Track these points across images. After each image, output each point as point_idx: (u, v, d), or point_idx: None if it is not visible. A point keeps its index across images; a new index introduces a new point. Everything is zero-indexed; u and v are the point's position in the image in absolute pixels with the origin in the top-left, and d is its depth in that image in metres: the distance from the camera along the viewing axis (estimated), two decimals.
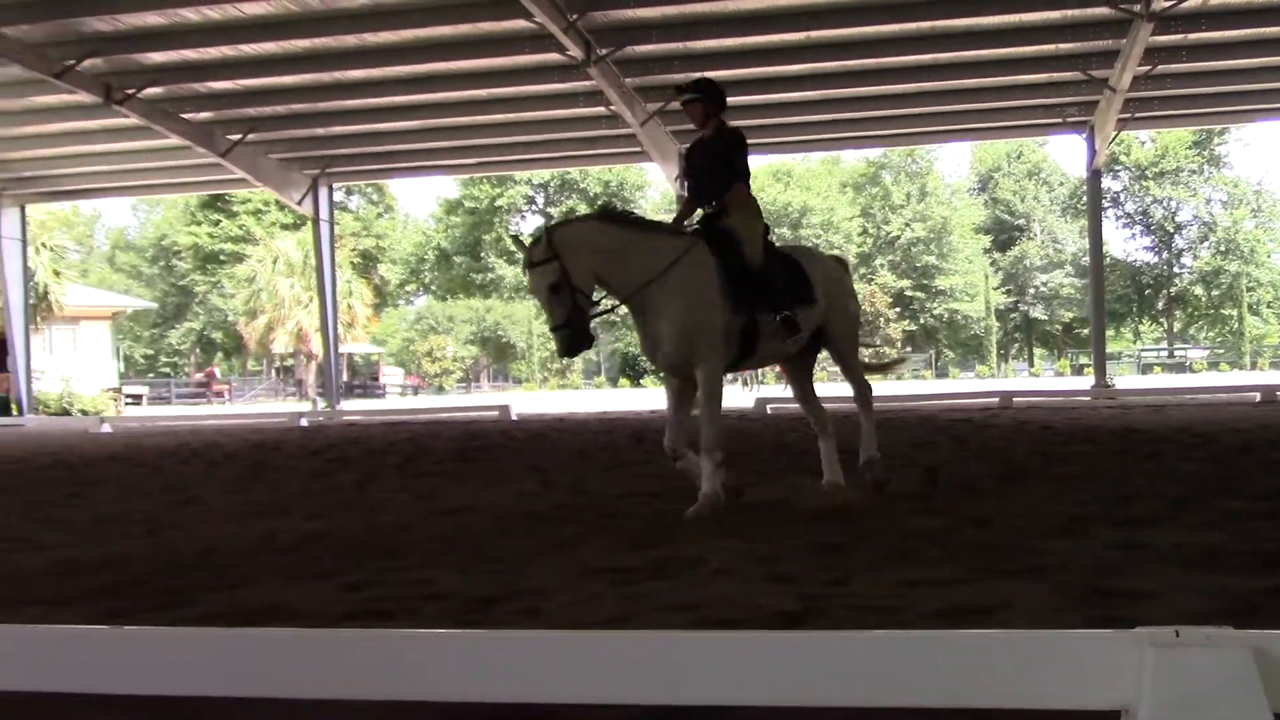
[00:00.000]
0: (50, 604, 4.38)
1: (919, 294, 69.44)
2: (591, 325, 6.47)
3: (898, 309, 65.20)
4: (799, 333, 6.71)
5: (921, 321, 69.76)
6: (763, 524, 6.02)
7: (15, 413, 29.43)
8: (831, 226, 68.86)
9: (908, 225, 70.33)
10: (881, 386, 43.61)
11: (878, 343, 60.17)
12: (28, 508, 8.25)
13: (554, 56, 19.98)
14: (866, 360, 8.12)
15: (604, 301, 6.66)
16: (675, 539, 5.60)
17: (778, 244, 7.26)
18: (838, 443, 7.32)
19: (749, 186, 7.13)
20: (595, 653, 2.60)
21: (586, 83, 21.12)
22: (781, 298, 6.68)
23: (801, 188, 69.95)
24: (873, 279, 67.29)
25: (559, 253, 6.21)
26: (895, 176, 73.03)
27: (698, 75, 7.64)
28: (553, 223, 6.85)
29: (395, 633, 2.81)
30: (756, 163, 69.45)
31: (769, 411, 19.43)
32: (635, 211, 8.82)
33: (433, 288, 76.12)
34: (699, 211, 7.10)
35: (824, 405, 7.53)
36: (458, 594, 4.44)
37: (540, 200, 72.00)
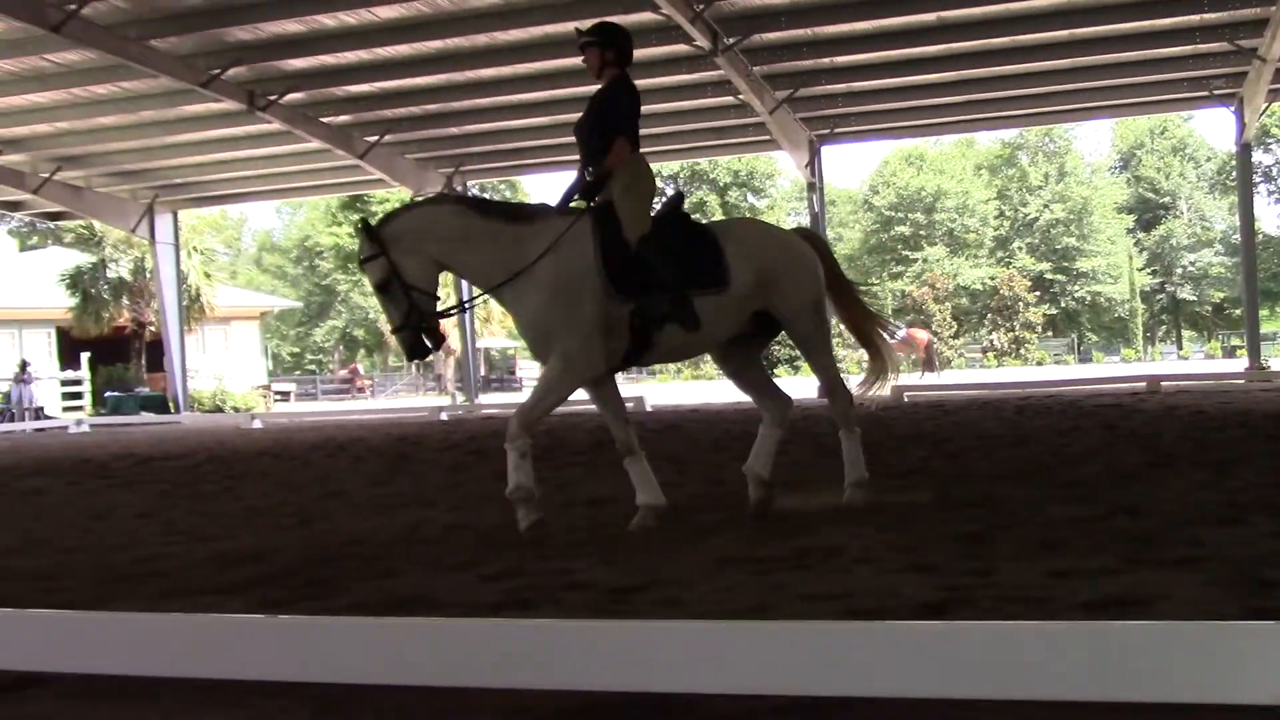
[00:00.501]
0: (215, 593, 4.55)
1: (1059, 277, 67.41)
2: (440, 325, 5.93)
3: (1037, 293, 63.42)
4: (695, 323, 5.75)
5: (1062, 305, 67.76)
6: (901, 513, 5.94)
7: (172, 410, 30.64)
8: (967, 210, 67.38)
9: (1046, 207, 68.34)
10: (1023, 372, 42.34)
11: (1016, 328, 58.68)
12: (191, 501, 8.60)
13: (681, 47, 19.95)
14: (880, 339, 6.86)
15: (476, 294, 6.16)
16: (813, 529, 5.56)
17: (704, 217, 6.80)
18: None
19: (635, 142, 6.05)
20: (737, 643, 2.60)
21: (714, 72, 21.06)
22: (664, 282, 5.72)
23: (935, 171, 68.55)
24: (1010, 262, 65.63)
25: (385, 247, 5.65)
26: (1032, 157, 71.02)
27: (603, 19, 6.58)
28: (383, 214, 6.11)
29: (538, 622, 2.85)
30: (887, 147, 67.00)
31: (906, 400, 19.14)
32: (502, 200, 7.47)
33: None
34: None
35: (788, 397, 6.50)
36: (598, 584, 4.48)
37: (670, 191, 72.03)
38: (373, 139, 25.24)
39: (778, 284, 6.11)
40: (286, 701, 3.01)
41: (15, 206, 32.33)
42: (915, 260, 65.60)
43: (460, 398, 32.97)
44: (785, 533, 5.48)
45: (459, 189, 29.45)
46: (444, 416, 22.75)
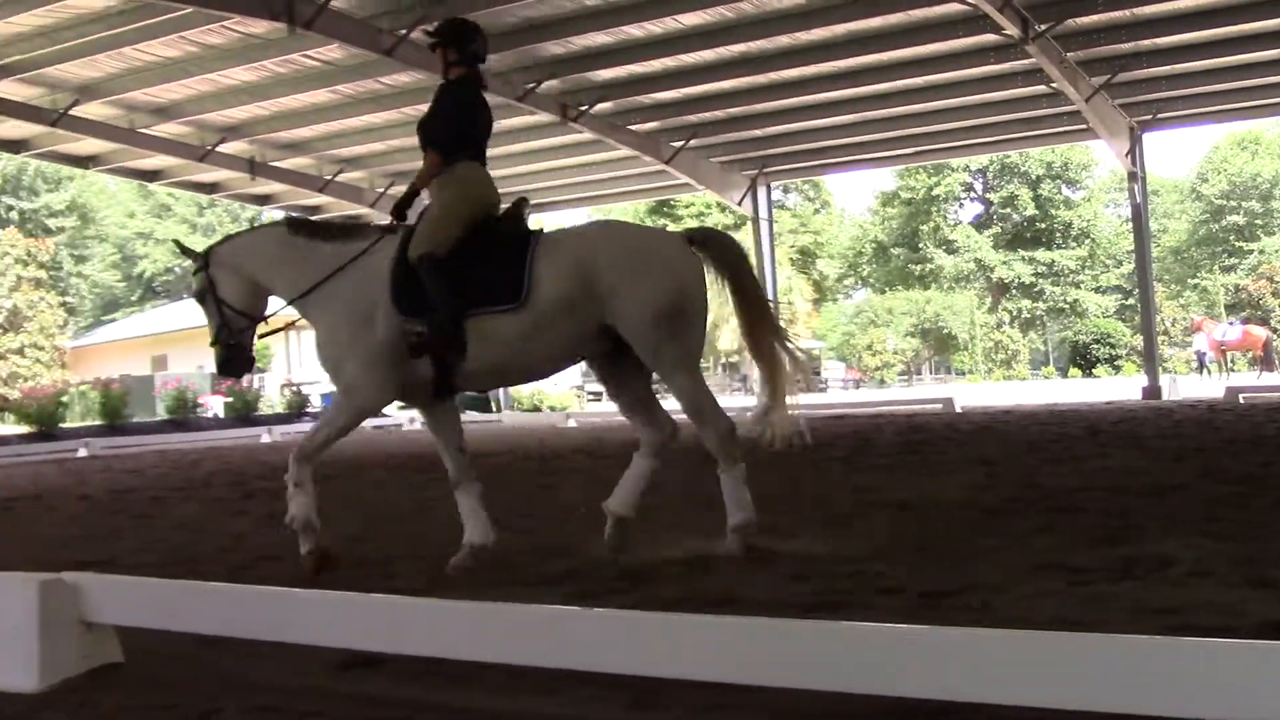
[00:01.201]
0: (533, 584, 4.77)
1: None
2: (251, 344, 5.82)
3: None
4: (460, 348, 5.28)
5: None
6: (1239, 521, 5.52)
7: (493, 410, 32.27)
8: None
9: None
10: None
11: None
12: (511, 497, 9.03)
13: (989, 37, 19.31)
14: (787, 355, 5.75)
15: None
16: (1138, 537, 5.25)
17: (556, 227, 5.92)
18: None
19: (457, 151, 5.75)
20: (1060, 655, 2.48)
21: (1025, 61, 20.23)
22: (436, 302, 5.26)
23: (1272, 155, 63.28)
24: None
25: (209, 262, 5.74)
26: None
27: (454, 17, 6.30)
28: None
29: (851, 625, 2.82)
30: (1216, 131, 62.00)
31: (1242, 401, 17.77)
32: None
33: (871, 281, 75.70)
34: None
35: (672, 424, 5.71)
36: (908, 587, 4.39)
37: (979, 186, 69.78)
38: (678, 144, 25.74)
39: (614, 294, 5.31)
40: (600, 690, 3.12)
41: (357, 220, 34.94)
42: (1250, 252, 60.84)
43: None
44: (1106, 540, 5.20)
45: (762, 190, 29.62)
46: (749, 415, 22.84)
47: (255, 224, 76.21)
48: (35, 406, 24.55)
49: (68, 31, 18.35)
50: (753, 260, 39.08)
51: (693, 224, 68.66)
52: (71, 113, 22.29)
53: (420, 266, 5.31)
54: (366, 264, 5.49)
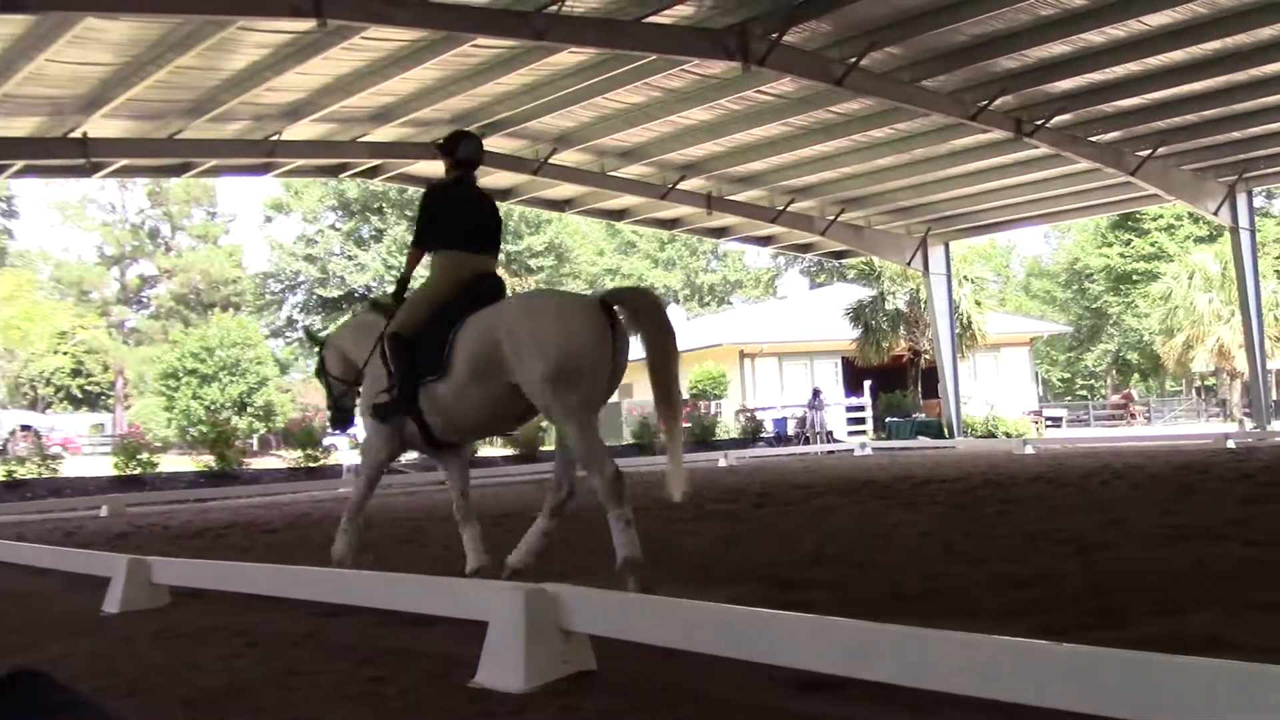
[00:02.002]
0: (994, 615, 4.60)
1: None
2: (353, 404, 7.23)
3: None
4: (416, 412, 6.43)
5: None
6: None
7: (947, 435, 31.66)
8: None
9: None
10: None
11: None
12: (967, 524, 8.81)
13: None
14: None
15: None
16: None
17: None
18: None
19: (417, 246, 6.89)
20: None
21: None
22: (393, 373, 6.52)
23: None
24: None
25: (324, 345, 7.48)
26: None
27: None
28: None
29: None
30: None
31: None
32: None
33: None
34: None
35: (572, 490, 6.39)
36: None
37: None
38: (1144, 153, 24.12)
39: (513, 357, 5.96)
40: None
41: (805, 248, 35.56)
42: None
43: (1249, 424, 30.14)
44: None
45: (1242, 197, 27.15)
46: (1232, 444, 20.99)
47: (711, 254, 79.33)
48: (520, 432, 26.97)
49: (547, 87, 19.99)
50: (1231, 273, 35.92)
51: (1160, 237, 64.30)
52: (550, 161, 24.28)
53: (388, 344, 6.56)
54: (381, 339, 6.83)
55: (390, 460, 7.09)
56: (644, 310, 6.13)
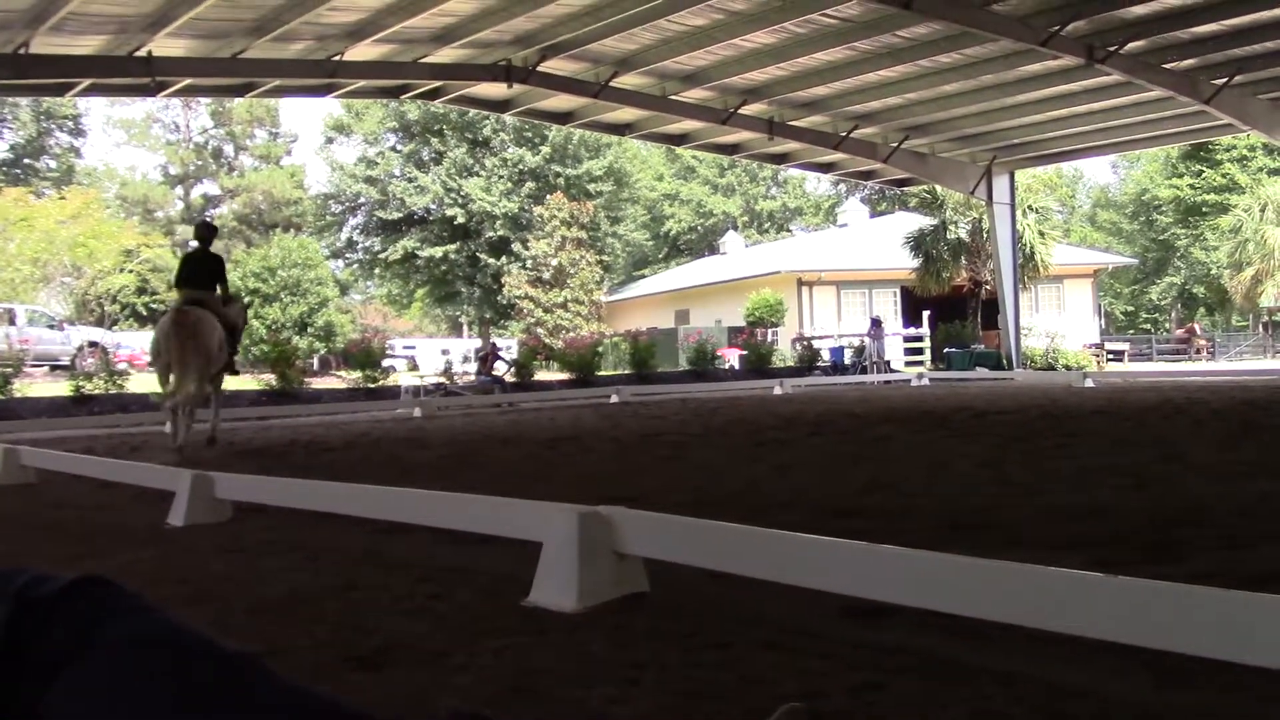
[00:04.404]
0: (1049, 548, 4.58)
1: None
2: None
3: None
4: None
5: None
6: None
7: (1006, 367, 31.38)
8: None
9: None
10: None
11: None
12: (1024, 456, 8.75)
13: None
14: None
15: None
16: None
17: None
18: None
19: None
20: None
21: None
22: None
23: None
24: None
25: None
26: None
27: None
28: None
29: None
30: None
31: None
32: None
33: None
34: None
35: None
36: None
37: None
38: (1220, 81, 23.43)
39: None
40: (1123, 663, 2.94)
41: (868, 175, 35.12)
42: None
43: None
44: None
45: None
46: None
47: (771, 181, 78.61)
48: (576, 355, 27.15)
49: (609, 8, 19.74)
50: None
51: (1232, 168, 62.80)
52: (611, 84, 24.06)
53: None
54: None
55: None
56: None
